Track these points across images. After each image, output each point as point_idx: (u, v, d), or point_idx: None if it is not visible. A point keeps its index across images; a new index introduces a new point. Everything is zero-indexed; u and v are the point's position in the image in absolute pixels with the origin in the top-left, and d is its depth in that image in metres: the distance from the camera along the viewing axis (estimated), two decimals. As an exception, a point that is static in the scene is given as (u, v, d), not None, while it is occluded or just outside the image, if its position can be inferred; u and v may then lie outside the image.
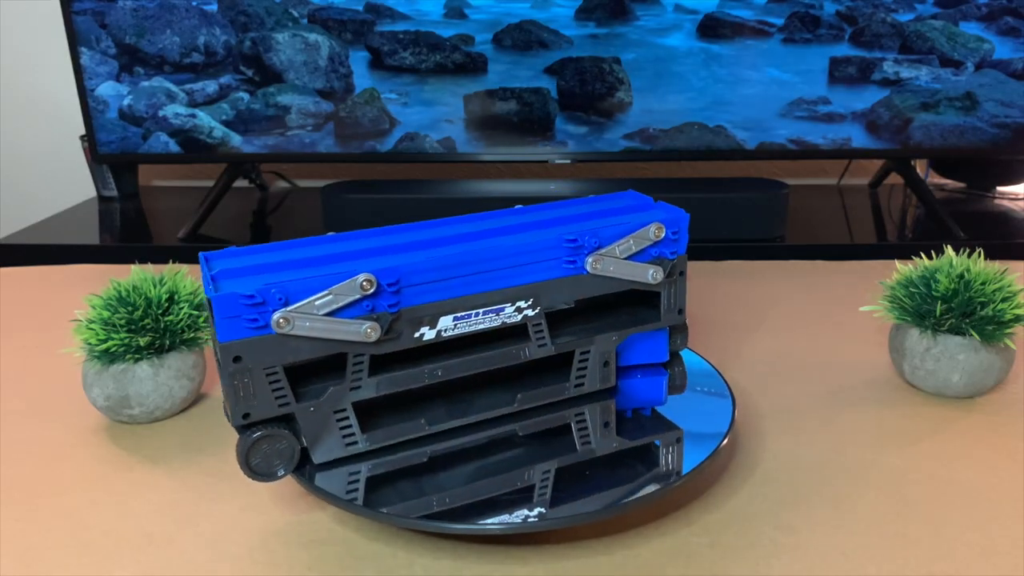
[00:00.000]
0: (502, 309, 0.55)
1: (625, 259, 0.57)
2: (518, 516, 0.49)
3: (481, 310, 0.54)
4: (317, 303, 0.49)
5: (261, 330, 0.49)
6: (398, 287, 0.51)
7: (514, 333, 0.58)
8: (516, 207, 0.63)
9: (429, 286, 0.52)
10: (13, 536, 0.56)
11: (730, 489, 0.59)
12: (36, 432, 0.69)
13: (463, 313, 0.54)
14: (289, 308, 0.48)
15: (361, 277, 0.49)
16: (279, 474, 0.52)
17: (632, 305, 0.62)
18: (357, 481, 0.52)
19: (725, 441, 0.56)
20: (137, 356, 0.67)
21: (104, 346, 0.66)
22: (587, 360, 0.59)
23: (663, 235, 0.58)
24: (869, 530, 0.54)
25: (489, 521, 0.49)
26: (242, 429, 0.51)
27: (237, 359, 0.49)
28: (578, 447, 0.56)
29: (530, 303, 0.56)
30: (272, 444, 0.51)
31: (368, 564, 0.52)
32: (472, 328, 0.55)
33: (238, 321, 0.48)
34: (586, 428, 0.58)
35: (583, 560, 0.52)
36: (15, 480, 0.62)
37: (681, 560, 0.52)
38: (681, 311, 0.60)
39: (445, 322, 0.53)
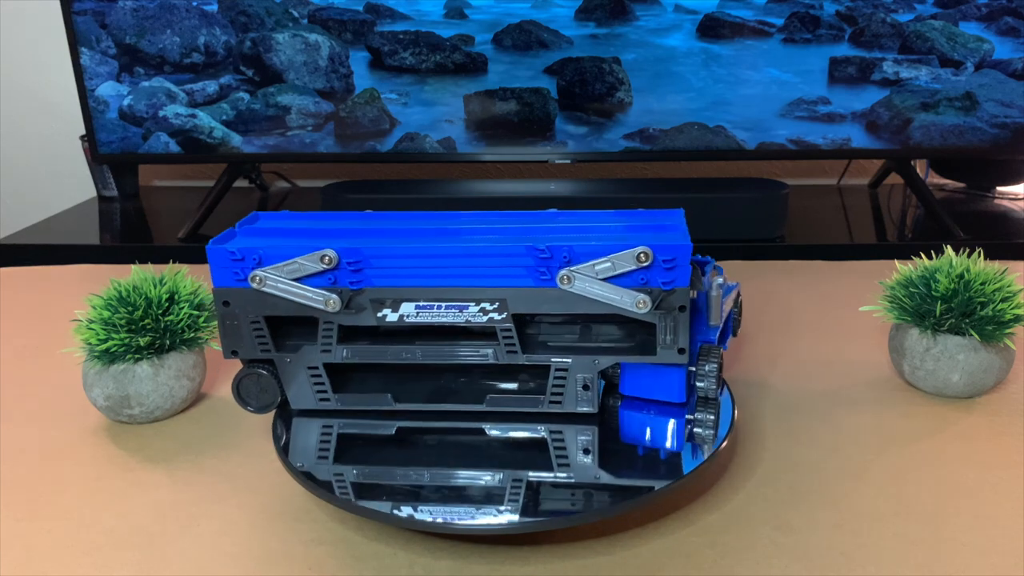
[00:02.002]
0: (466, 307, 0.56)
1: (604, 280, 0.54)
2: (516, 516, 0.49)
3: (444, 304, 0.56)
4: (285, 268, 0.56)
5: (242, 283, 0.57)
6: (359, 267, 0.56)
7: (492, 333, 0.58)
8: (550, 210, 0.62)
9: (392, 271, 0.56)
10: (13, 536, 0.56)
11: (730, 489, 0.59)
12: (36, 432, 0.69)
13: (425, 303, 0.56)
14: (263, 268, 0.56)
15: (323, 252, 0.55)
16: (249, 408, 0.61)
17: (643, 332, 0.59)
18: (329, 436, 0.58)
19: (725, 442, 0.56)
20: (137, 356, 0.67)
21: (104, 346, 0.66)
22: (564, 379, 0.57)
23: (651, 261, 0.53)
24: (869, 530, 0.54)
25: (488, 521, 0.49)
26: (246, 363, 0.60)
27: (226, 303, 0.57)
28: (554, 466, 0.54)
29: (496, 307, 0.56)
30: (259, 382, 0.60)
31: (368, 564, 0.52)
32: (435, 319, 0.56)
33: (227, 271, 0.57)
34: (564, 449, 0.56)
35: (583, 560, 0.52)
36: (15, 480, 0.62)
37: (681, 560, 0.52)
38: (683, 351, 0.55)
39: (407, 308, 0.56)
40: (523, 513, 0.49)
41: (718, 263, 0.67)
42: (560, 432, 0.57)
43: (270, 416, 0.71)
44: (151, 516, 0.57)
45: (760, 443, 0.65)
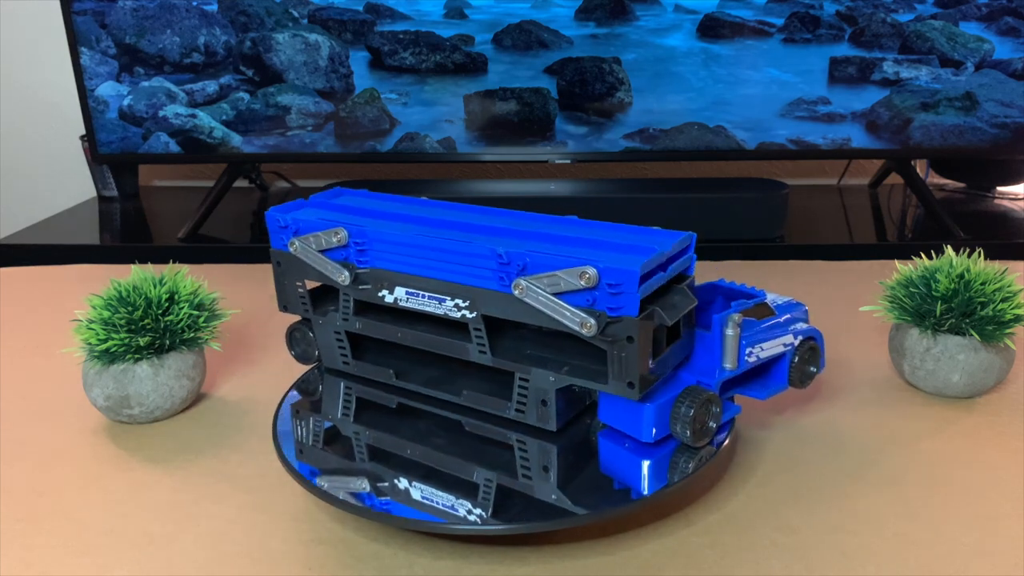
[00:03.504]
0: (444, 300, 0.57)
1: (553, 294, 0.52)
2: (515, 516, 0.49)
3: (427, 294, 0.58)
4: (312, 240, 0.62)
5: (286, 248, 0.64)
6: (364, 247, 0.60)
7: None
8: (569, 216, 0.61)
9: (386, 255, 0.59)
10: (13, 536, 0.56)
11: (730, 489, 0.59)
12: (36, 432, 0.69)
13: (413, 290, 0.58)
14: (299, 237, 0.62)
15: (336, 230, 0.60)
16: (292, 353, 0.69)
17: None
18: (351, 398, 0.63)
19: (726, 442, 0.56)
20: (137, 356, 0.67)
21: (104, 346, 0.66)
22: (526, 388, 0.56)
23: (595, 283, 0.50)
24: (869, 530, 0.54)
25: (461, 517, 0.49)
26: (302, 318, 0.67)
27: (279, 263, 0.65)
28: (519, 476, 0.53)
29: (467, 304, 0.56)
30: (304, 337, 0.68)
31: (368, 564, 0.52)
32: (419, 307, 0.58)
33: (277, 236, 0.64)
34: (528, 461, 0.54)
35: (583, 560, 0.52)
36: (15, 480, 0.62)
37: (681, 560, 0.52)
38: (632, 384, 0.51)
39: (400, 292, 0.59)
40: (493, 514, 0.49)
41: (797, 301, 0.63)
42: (524, 443, 0.56)
43: (270, 416, 0.71)
44: (151, 516, 0.57)
45: (760, 443, 0.65)
